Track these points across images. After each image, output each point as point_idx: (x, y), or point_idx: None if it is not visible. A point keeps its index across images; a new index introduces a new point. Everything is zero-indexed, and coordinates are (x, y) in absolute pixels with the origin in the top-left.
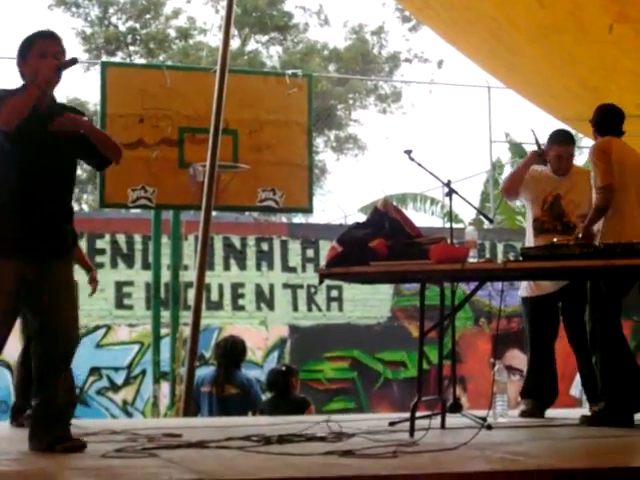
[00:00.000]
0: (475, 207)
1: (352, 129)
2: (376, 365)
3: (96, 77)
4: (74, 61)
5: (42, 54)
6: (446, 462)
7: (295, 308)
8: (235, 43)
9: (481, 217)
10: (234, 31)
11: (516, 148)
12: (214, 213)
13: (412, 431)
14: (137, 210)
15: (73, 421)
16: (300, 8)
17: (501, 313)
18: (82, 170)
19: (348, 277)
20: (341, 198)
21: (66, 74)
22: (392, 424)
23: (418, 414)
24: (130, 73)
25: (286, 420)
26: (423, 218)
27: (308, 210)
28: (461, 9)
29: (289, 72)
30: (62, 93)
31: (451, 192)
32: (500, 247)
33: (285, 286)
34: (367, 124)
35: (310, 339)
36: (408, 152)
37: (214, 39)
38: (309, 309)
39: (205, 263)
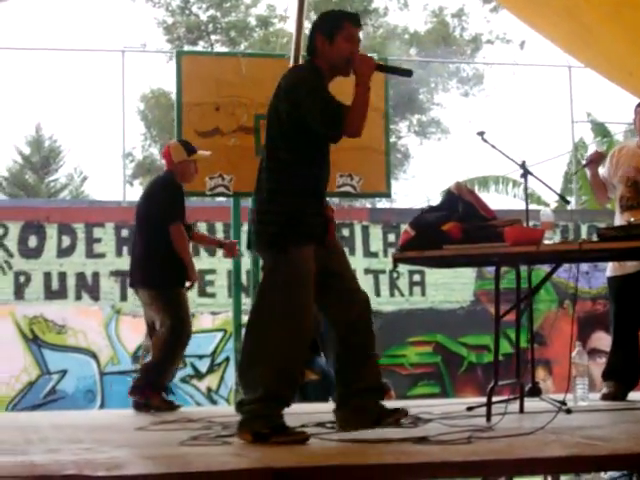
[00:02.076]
0: (551, 188)
1: (434, 113)
2: (460, 349)
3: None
4: (407, 74)
5: (351, 38)
6: (520, 447)
7: (377, 293)
8: None
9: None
10: (315, 17)
11: (598, 127)
12: None
13: (489, 416)
14: (219, 198)
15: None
16: None
17: (587, 295)
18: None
19: (422, 261)
20: (425, 182)
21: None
22: (470, 409)
23: (497, 399)
24: (205, 61)
25: None
26: (505, 200)
27: (386, 195)
28: None
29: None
30: (146, 84)
31: (526, 173)
32: (584, 228)
33: (367, 271)
34: (449, 107)
35: (393, 324)
36: (481, 134)
37: (294, 26)
38: (391, 294)
39: None
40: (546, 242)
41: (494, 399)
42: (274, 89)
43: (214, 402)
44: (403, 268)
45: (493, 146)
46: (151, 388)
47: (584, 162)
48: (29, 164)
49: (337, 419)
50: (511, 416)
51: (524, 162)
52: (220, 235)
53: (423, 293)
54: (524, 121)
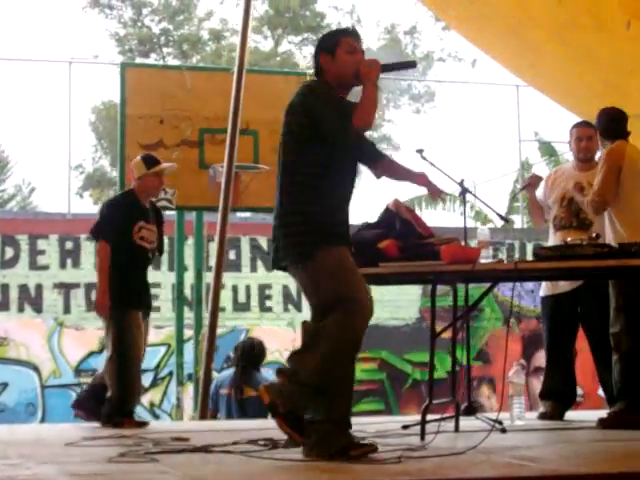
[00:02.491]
0: (490, 206)
1: (386, 129)
2: (405, 366)
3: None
4: (411, 65)
5: (352, 50)
6: (450, 467)
7: None
8: (268, 44)
9: (510, 217)
10: (267, 32)
11: (545, 147)
12: (244, 214)
13: (423, 434)
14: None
15: (84, 424)
16: (333, 8)
17: (532, 313)
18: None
19: None
20: (374, 199)
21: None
22: (405, 427)
23: (433, 417)
24: (150, 74)
25: None
26: (452, 218)
27: None
28: (480, 5)
29: (310, 71)
30: (97, 95)
31: (464, 191)
32: (529, 247)
33: None
34: (401, 124)
35: None
36: (420, 151)
37: (239, 40)
38: None
39: (222, 264)
40: (483, 261)
41: (430, 417)
42: (220, 102)
43: (157, 417)
44: None
45: (432, 164)
46: (123, 416)
47: (522, 185)
48: None
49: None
50: (446, 435)
51: (462, 181)
52: (166, 249)
53: None
54: (474, 139)
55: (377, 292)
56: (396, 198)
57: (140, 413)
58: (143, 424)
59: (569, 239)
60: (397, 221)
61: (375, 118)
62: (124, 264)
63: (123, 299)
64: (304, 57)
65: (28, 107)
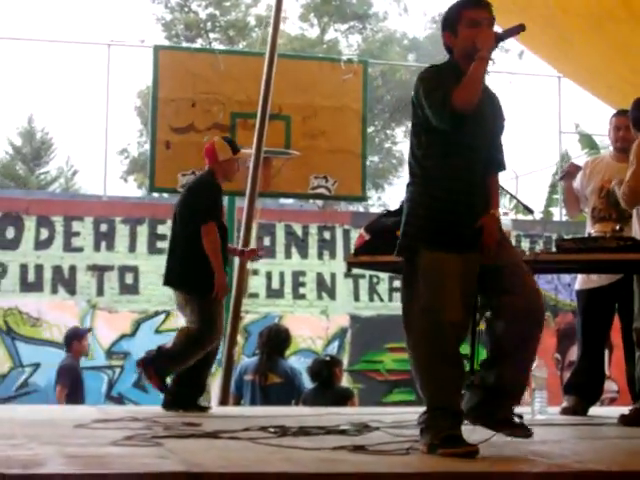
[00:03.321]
0: (516, 197)
1: None
2: None
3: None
4: (520, 28)
5: (473, 24)
6: (455, 460)
7: (356, 298)
8: (314, 32)
9: (549, 209)
10: (314, 20)
11: (586, 139)
12: (282, 200)
13: None
14: None
15: (106, 407)
16: None
17: (568, 307)
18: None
19: (376, 266)
20: None
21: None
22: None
23: None
24: (183, 57)
25: (324, 411)
26: None
27: (362, 198)
28: None
29: (344, 58)
30: (143, 80)
31: None
32: None
33: (347, 275)
34: None
35: (371, 329)
36: None
37: (293, 27)
38: (371, 299)
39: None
40: None
41: None
42: (253, 87)
43: None
44: (384, 274)
45: None
46: (154, 369)
47: (560, 175)
48: (20, 155)
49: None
50: (464, 427)
51: None
52: None
53: None
54: (517, 130)
55: None
56: None
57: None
58: (205, 409)
59: (594, 231)
60: None
61: (476, 98)
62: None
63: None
64: (349, 45)
65: (75, 91)
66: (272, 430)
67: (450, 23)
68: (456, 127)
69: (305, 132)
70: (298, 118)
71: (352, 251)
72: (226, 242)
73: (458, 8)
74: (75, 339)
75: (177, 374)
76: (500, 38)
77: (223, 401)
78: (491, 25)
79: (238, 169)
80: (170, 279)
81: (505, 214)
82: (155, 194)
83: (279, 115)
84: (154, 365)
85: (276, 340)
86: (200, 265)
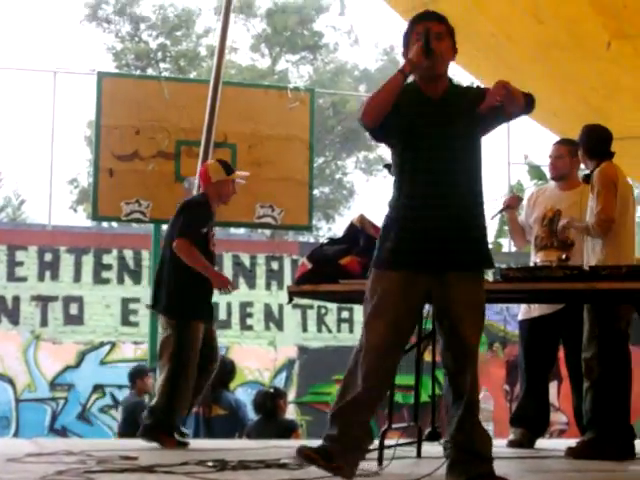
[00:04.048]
0: None
1: (381, 150)
2: None
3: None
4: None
5: (414, 40)
6: None
7: (304, 329)
8: (266, 62)
9: (498, 240)
10: (265, 50)
11: (534, 170)
12: (229, 230)
13: (380, 460)
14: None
15: (34, 440)
16: (331, 28)
17: (517, 338)
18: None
19: (318, 295)
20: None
21: None
22: None
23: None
24: (127, 84)
25: (267, 444)
26: None
27: (308, 228)
28: (462, 25)
29: (290, 86)
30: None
31: None
32: None
33: (295, 306)
34: None
35: (319, 361)
36: (387, 166)
37: (245, 58)
38: (319, 330)
39: None
40: None
41: (388, 442)
42: (198, 114)
43: None
44: (332, 304)
45: None
46: (161, 430)
47: (501, 207)
48: None
49: None
50: (407, 461)
51: None
52: (146, 263)
53: (351, 330)
54: None
55: (359, 313)
56: (362, 214)
57: (116, 430)
58: (183, 444)
59: (538, 261)
60: (361, 237)
61: (370, 109)
62: (197, 271)
63: (192, 308)
64: (301, 76)
65: (22, 119)
66: (210, 464)
67: (405, 43)
68: (379, 141)
69: (251, 160)
70: (244, 146)
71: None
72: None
73: (408, 27)
74: (138, 377)
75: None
76: (426, 48)
77: None
78: (432, 33)
79: (234, 191)
80: (155, 302)
81: None
82: (104, 224)
83: (224, 143)
84: (159, 429)
85: (221, 372)
86: (184, 291)
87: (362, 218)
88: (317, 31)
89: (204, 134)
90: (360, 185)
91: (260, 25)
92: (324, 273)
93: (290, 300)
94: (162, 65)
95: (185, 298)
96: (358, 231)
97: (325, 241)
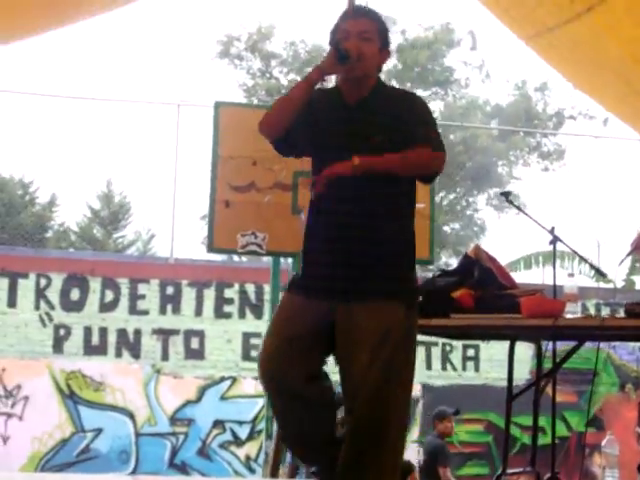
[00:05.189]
0: (584, 259)
1: (513, 186)
2: (513, 430)
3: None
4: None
5: (340, 37)
6: None
7: (429, 366)
8: None
9: (631, 277)
10: (395, 85)
11: None
12: None
13: None
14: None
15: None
16: (462, 63)
17: None
18: None
19: (427, 330)
20: (499, 257)
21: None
22: None
23: None
24: (244, 114)
25: None
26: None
27: (429, 262)
28: (586, 49)
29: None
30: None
31: (555, 240)
32: None
33: (418, 343)
34: (528, 181)
35: (444, 399)
36: (506, 194)
37: None
38: (443, 368)
39: None
40: (569, 316)
41: None
42: None
43: (252, 471)
44: (457, 342)
45: (519, 209)
46: None
47: (629, 249)
48: (98, 219)
49: None
50: None
51: (553, 228)
52: (268, 297)
53: (477, 368)
54: (605, 197)
55: (485, 351)
56: (477, 244)
57: (234, 466)
58: None
59: None
60: (476, 269)
61: (268, 118)
62: None
63: None
64: (433, 112)
65: (149, 153)
66: None
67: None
68: (284, 155)
69: None
70: None
71: None
72: None
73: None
74: (439, 420)
75: None
76: (339, 54)
77: (273, 473)
78: (352, 35)
79: None
80: None
81: (570, 275)
82: (222, 257)
83: None
84: None
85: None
86: None
87: (477, 249)
88: (448, 66)
89: None
90: (491, 222)
91: (391, 61)
92: (434, 306)
93: None
94: None
95: None
96: (473, 262)
97: (437, 273)
